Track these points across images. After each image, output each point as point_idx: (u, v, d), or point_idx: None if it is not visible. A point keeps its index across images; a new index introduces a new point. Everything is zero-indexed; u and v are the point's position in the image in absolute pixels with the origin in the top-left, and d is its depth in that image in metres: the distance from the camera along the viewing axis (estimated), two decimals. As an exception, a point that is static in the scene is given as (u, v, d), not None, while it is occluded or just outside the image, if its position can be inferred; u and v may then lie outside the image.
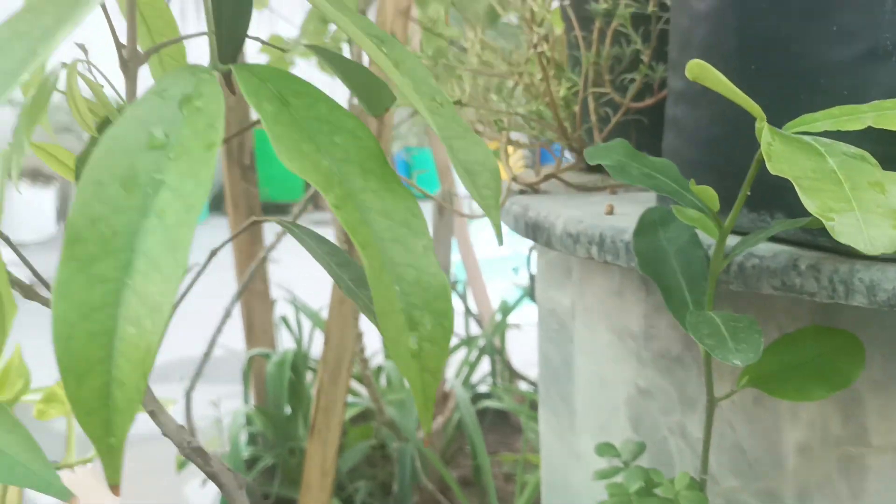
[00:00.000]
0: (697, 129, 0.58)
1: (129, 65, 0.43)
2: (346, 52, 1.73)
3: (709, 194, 0.44)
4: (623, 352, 0.77)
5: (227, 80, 0.35)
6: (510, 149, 0.80)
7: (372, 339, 1.45)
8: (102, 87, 0.38)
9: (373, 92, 0.50)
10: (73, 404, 0.26)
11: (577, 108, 0.77)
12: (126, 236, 0.27)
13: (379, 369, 1.61)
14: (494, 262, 3.44)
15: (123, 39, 0.44)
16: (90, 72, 0.38)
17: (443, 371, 0.31)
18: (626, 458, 0.63)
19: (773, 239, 0.54)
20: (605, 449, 0.64)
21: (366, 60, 1.27)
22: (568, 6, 0.79)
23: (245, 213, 1.52)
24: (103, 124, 0.36)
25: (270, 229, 1.49)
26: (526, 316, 1.87)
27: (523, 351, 1.85)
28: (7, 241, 0.37)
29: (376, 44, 0.32)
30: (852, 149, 0.37)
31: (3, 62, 0.29)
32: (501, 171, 0.81)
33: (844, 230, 0.32)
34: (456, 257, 1.93)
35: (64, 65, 0.36)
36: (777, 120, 0.45)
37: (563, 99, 0.76)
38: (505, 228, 0.78)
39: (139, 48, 0.44)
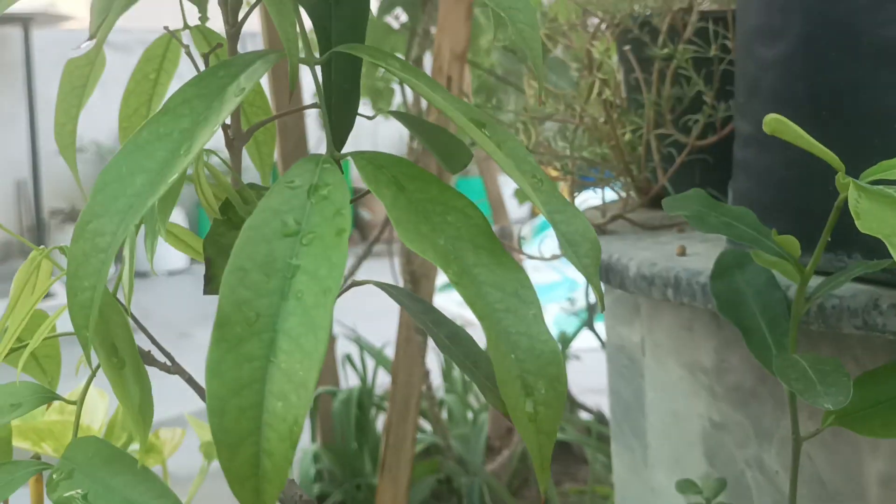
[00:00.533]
0: (769, 173, 0.59)
1: (234, 143, 0.46)
2: (398, 92, 1.77)
3: (791, 243, 0.46)
4: (695, 386, 0.78)
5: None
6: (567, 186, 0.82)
7: (435, 375, 1.47)
8: (213, 166, 0.41)
9: (450, 150, 0.52)
10: (227, 473, 0.29)
11: (641, 150, 0.79)
12: (269, 318, 0.29)
13: (441, 403, 1.63)
14: (546, 288, 3.45)
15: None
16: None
17: (556, 432, 0.32)
18: (708, 494, 0.64)
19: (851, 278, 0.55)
20: (686, 486, 0.64)
21: (427, 108, 1.30)
22: (628, 51, 0.81)
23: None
24: (225, 207, 0.39)
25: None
26: (583, 342, 1.87)
27: (581, 380, 1.86)
28: (137, 323, 0.39)
29: (478, 126, 0.34)
30: (937, 200, 0.38)
31: (146, 162, 0.31)
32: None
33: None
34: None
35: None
36: (851, 166, 0.47)
37: (628, 142, 0.77)
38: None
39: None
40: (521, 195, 1.73)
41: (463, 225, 0.33)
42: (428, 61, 1.29)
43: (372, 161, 0.34)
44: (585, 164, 0.82)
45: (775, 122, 0.45)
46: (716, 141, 0.79)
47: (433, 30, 1.27)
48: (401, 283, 1.20)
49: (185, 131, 0.32)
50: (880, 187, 0.41)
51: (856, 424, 0.53)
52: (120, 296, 0.39)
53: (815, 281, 0.54)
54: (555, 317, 2.79)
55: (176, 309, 4.01)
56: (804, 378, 0.45)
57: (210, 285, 0.38)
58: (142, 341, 0.44)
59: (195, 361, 0.48)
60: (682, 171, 0.80)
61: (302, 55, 0.37)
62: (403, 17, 1.63)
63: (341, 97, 0.38)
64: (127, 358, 0.34)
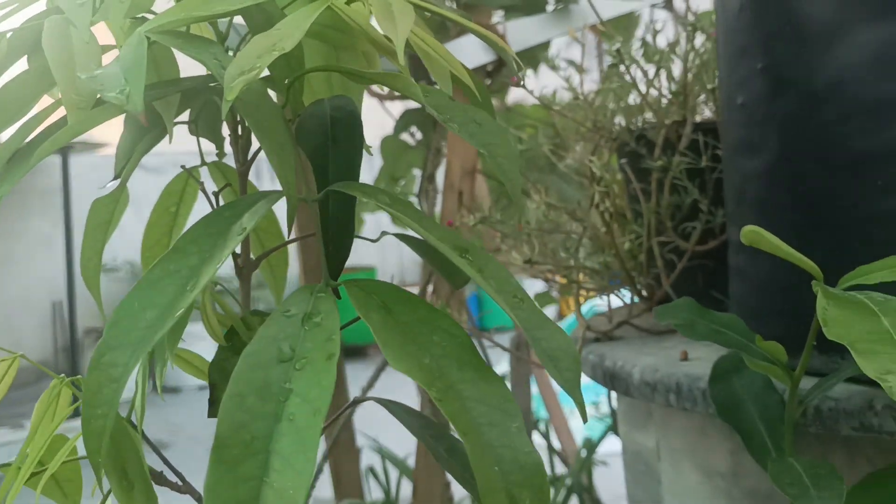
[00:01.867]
0: (761, 278, 0.61)
1: (243, 271, 0.49)
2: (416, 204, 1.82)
3: (776, 349, 0.47)
4: (713, 491, 0.77)
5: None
6: (581, 298, 0.84)
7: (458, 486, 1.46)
8: (218, 295, 0.44)
9: (453, 267, 0.55)
10: (224, 592, 0.30)
11: (642, 257, 0.81)
12: (263, 440, 0.31)
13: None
14: (574, 393, 3.40)
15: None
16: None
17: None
18: None
19: (847, 379, 0.56)
20: None
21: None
22: (625, 163, 0.85)
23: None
24: (230, 334, 0.42)
25: (354, 379, 1.54)
26: (610, 447, 1.85)
27: (613, 487, 1.82)
28: (150, 444, 0.42)
29: (460, 253, 0.37)
30: (904, 305, 0.40)
31: (158, 298, 0.34)
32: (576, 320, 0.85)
33: (900, 391, 0.34)
34: (534, 390, 1.95)
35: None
36: (833, 271, 0.49)
37: (629, 251, 0.80)
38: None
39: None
40: (540, 299, 1.75)
41: (448, 343, 0.35)
42: (440, 176, 1.34)
43: (363, 288, 0.37)
44: (590, 273, 0.84)
45: (752, 234, 0.48)
46: (716, 246, 0.81)
47: (444, 146, 1.33)
48: (419, 398, 1.21)
49: (192, 268, 0.35)
50: (852, 293, 0.43)
51: (863, 527, 0.53)
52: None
53: (810, 383, 0.55)
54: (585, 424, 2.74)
55: (206, 424, 4.01)
56: (798, 483, 0.46)
57: (213, 408, 0.40)
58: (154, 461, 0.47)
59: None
60: (685, 275, 0.82)
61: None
62: (419, 135, 1.70)
63: (337, 229, 0.41)
64: (136, 481, 0.36)
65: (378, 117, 1.66)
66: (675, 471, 0.82)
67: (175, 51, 0.48)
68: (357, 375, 1.77)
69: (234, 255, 0.50)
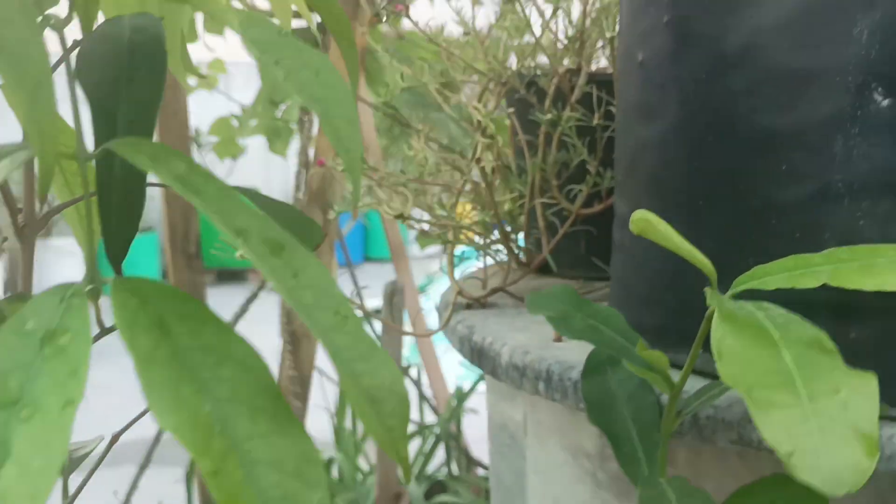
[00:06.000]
0: (645, 260, 0.55)
1: (25, 231, 0.38)
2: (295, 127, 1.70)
3: (658, 359, 0.41)
4: (578, 472, 0.73)
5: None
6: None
7: (327, 432, 1.39)
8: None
9: (302, 229, 0.47)
10: None
11: (523, 219, 0.74)
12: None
13: (330, 461, 1.55)
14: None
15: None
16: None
17: None
18: None
19: (729, 381, 0.51)
20: None
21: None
22: (512, 113, 0.77)
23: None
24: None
25: (227, 305, 1.44)
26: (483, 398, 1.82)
27: (481, 436, 1.80)
28: None
29: (273, 250, 0.28)
30: (808, 331, 0.34)
31: None
32: (448, 283, 0.77)
33: (802, 464, 0.28)
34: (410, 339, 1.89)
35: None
36: (727, 263, 0.43)
37: (509, 211, 0.73)
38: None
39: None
40: (422, 240, 1.68)
41: (241, 381, 0.26)
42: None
43: (137, 292, 0.27)
44: (467, 231, 0.77)
45: (642, 222, 0.41)
46: (602, 210, 0.75)
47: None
48: (280, 342, 1.12)
49: None
50: (751, 309, 0.37)
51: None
52: None
53: (691, 383, 0.49)
54: (458, 376, 2.71)
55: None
56: (670, 512, 0.40)
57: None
58: None
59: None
60: (567, 242, 0.75)
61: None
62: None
63: (122, 196, 0.31)
64: None
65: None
66: (541, 448, 0.77)
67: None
68: (230, 301, 1.66)
69: (14, 212, 0.40)
